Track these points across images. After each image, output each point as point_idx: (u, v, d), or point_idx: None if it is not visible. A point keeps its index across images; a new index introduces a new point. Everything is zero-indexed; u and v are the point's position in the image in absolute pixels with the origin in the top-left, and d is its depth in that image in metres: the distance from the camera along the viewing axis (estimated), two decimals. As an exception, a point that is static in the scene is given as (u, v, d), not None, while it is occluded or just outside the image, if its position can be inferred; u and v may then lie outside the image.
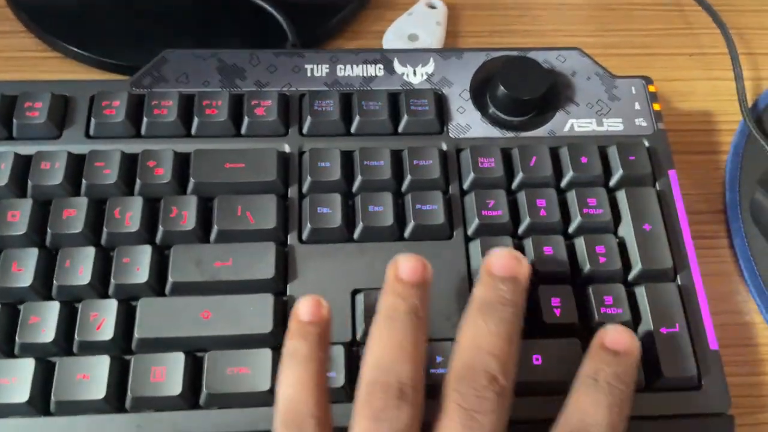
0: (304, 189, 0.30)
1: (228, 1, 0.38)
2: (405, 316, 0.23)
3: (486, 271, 0.25)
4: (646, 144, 0.32)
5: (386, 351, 0.23)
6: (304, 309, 0.24)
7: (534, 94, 0.31)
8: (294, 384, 0.22)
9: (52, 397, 0.25)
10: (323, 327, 0.24)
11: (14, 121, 0.30)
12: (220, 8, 0.39)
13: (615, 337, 0.24)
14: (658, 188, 0.31)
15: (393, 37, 0.39)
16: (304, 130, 0.31)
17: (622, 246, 0.29)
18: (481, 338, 0.23)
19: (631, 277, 0.29)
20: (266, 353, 0.26)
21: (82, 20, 0.38)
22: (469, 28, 0.41)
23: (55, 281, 0.27)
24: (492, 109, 0.32)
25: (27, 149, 0.30)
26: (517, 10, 0.43)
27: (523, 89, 0.31)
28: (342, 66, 0.33)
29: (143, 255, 0.27)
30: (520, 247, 0.29)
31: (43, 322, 0.26)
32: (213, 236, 0.28)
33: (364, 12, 0.41)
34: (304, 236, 0.29)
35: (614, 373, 0.23)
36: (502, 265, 0.25)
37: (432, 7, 0.40)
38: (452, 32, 0.41)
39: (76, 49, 0.37)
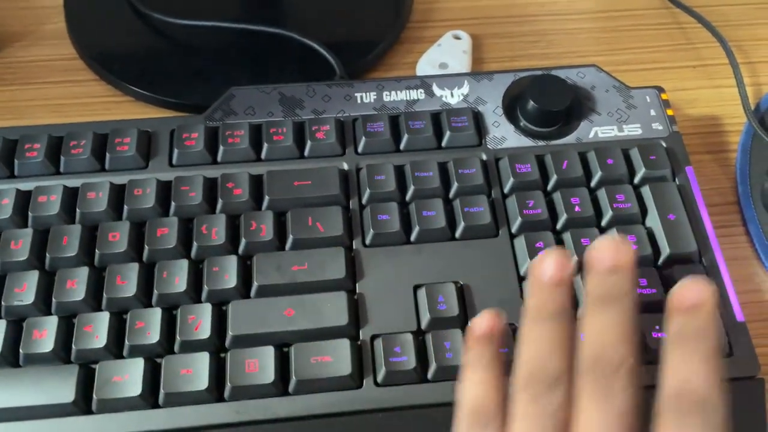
0: (364, 200, 0.34)
1: (276, 42, 0.43)
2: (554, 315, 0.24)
3: (591, 265, 0.25)
4: (664, 145, 0.35)
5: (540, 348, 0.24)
6: (479, 324, 0.26)
7: (560, 106, 0.35)
8: (479, 383, 0.24)
9: (161, 390, 0.29)
10: (498, 338, 0.25)
11: (107, 155, 0.34)
12: (270, 49, 0.43)
13: (684, 294, 0.24)
14: (677, 183, 0.34)
15: (425, 66, 0.43)
16: (359, 150, 0.35)
17: (651, 235, 0.33)
18: (605, 329, 0.24)
19: (660, 261, 0.32)
20: (345, 343, 0.30)
21: (148, 66, 0.43)
22: (491, 55, 0.46)
23: (155, 290, 0.31)
24: (523, 122, 0.36)
25: (120, 179, 0.34)
26: (532, 37, 0.47)
27: (550, 102, 0.35)
28: (387, 92, 0.37)
29: (230, 263, 0.31)
30: (559, 241, 0.33)
31: (148, 326, 0.30)
32: (288, 244, 0.32)
33: (397, 46, 0.46)
34: (368, 240, 0.33)
35: (695, 328, 0.23)
36: (606, 257, 0.25)
37: (457, 38, 0.45)
38: (477, 59, 0.45)
39: (145, 92, 0.41)
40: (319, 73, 0.42)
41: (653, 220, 0.33)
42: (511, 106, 0.37)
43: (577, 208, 0.33)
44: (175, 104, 0.41)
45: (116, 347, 0.30)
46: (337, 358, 0.29)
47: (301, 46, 0.42)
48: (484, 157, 0.35)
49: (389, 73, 0.45)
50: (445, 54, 0.44)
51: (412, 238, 0.33)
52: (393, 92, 0.37)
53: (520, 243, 0.32)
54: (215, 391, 0.29)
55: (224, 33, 0.43)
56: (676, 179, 0.35)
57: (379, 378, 0.29)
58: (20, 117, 0.42)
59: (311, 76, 0.41)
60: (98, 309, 0.31)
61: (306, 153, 0.35)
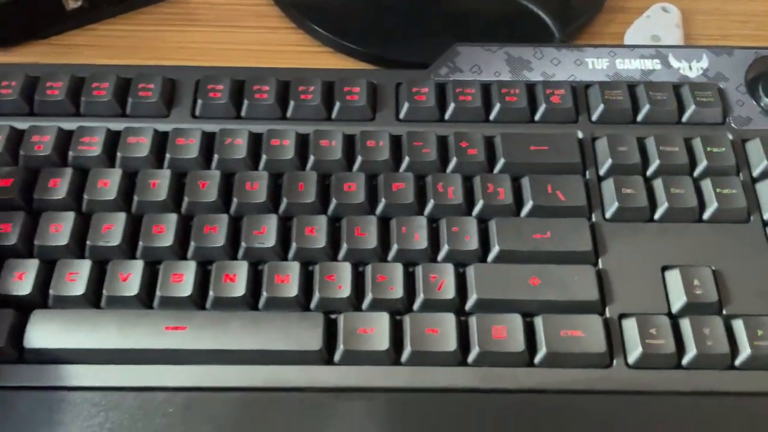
0: (602, 171, 0.32)
1: (486, 2, 0.41)
2: None
3: None
4: None
5: None
6: None
7: (821, 89, 0.32)
8: None
9: (408, 347, 0.28)
10: None
11: (336, 103, 0.33)
12: (477, 7, 0.42)
13: None
14: None
15: (635, 37, 0.41)
16: (594, 118, 0.33)
17: None
18: None
19: None
20: (597, 319, 0.28)
21: (351, 17, 0.41)
22: (699, 32, 0.43)
23: (395, 245, 0.30)
24: (766, 102, 0.34)
25: (350, 129, 0.33)
26: (741, 16, 0.44)
27: (808, 84, 0.33)
28: (620, 60, 0.35)
29: (470, 225, 0.30)
30: (820, 232, 0.30)
31: (391, 281, 0.29)
32: (526, 211, 0.31)
33: (599, 16, 0.43)
34: (609, 215, 0.31)
35: None
36: None
37: (666, 11, 0.42)
38: (686, 35, 0.43)
39: (349, 44, 0.40)
40: (528, 35, 0.40)
41: None
42: (754, 85, 0.34)
43: None
44: (378, 58, 0.40)
45: (357, 299, 0.29)
46: (589, 333, 0.28)
47: (510, 8, 0.40)
48: (731, 136, 0.33)
49: (594, 41, 0.42)
50: (656, 26, 0.41)
51: (657, 216, 0.31)
52: (626, 60, 0.35)
53: (777, 231, 0.30)
54: (460, 354, 0.28)
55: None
56: None
57: (631, 359, 0.28)
58: (212, 59, 0.42)
59: (520, 38, 0.40)
60: (335, 258, 0.30)
61: (537, 117, 0.33)
